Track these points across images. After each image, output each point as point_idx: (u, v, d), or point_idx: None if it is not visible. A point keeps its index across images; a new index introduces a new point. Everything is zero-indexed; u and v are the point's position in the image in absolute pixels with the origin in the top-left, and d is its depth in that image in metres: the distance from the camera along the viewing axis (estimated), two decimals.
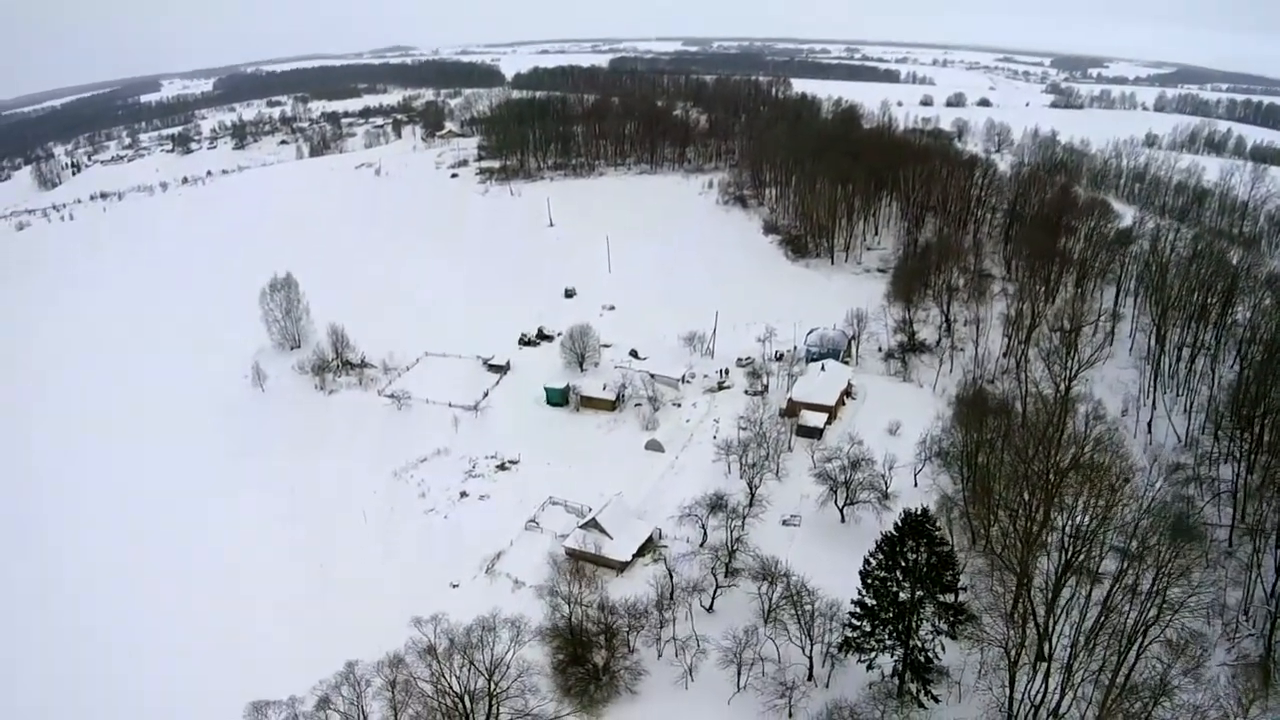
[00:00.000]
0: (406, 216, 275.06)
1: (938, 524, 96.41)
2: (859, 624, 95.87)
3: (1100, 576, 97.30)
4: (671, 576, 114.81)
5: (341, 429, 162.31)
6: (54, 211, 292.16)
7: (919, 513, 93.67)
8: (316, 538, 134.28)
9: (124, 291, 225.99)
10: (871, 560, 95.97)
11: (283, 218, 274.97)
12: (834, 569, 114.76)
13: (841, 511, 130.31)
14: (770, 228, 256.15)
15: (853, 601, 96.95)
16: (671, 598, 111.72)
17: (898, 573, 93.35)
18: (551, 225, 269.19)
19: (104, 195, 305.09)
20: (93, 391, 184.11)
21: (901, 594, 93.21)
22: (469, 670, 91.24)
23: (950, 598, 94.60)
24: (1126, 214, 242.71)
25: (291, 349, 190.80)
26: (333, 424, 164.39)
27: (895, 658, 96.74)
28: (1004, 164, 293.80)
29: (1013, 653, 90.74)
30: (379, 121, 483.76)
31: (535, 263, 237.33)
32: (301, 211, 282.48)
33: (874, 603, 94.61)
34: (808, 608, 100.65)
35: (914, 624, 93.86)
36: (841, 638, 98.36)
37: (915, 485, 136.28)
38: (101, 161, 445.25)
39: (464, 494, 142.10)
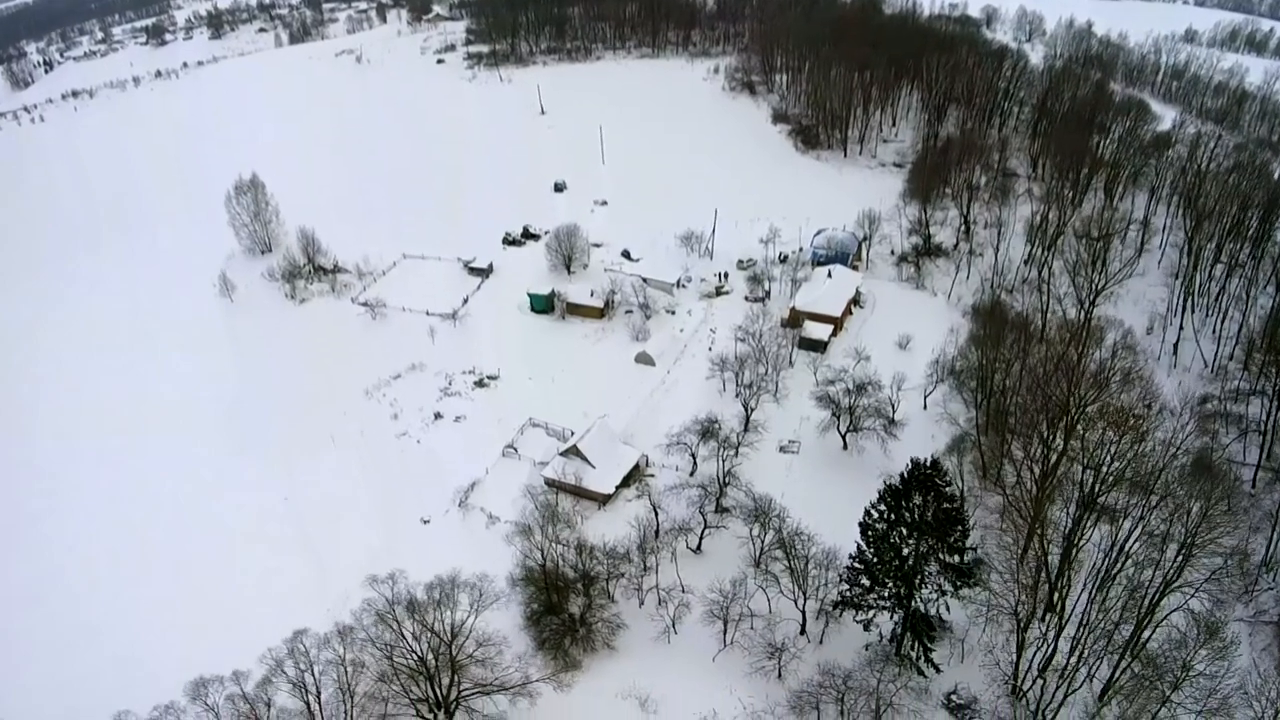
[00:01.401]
0: (387, 107, 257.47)
1: (947, 474, 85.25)
2: (857, 581, 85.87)
3: (1117, 515, 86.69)
4: (657, 514, 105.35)
5: (311, 342, 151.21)
6: (24, 113, 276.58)
7: (927, 465, 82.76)
8: (279, 466, 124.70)
9: (88, 197, 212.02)
10: (873, 512, 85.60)
11: (255, 112, 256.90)
12: (833, 504, 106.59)
13: (844, 438, 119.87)
14: (779, 116, 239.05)
15: (851, 556, 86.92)
16: (656, 538, 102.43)
17: (901, 528, 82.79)
18: (543, 113, 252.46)
19: (75, 94, 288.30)
20: (51, 301, 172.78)
21: (905, 548, 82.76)
22: (427, 637, 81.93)
23: (957, 558, 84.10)
24: (1165, 116, 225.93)
25: (262, 254, 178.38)
26: (302, 337, 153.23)
27: (895, 619, 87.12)
28: (1035, 56, 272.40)
29: (1022, 616, 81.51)
30: (363, 6, 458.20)
31: (524, 154, 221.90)
32: (275, 105, 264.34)
33: (874, 559, 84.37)
34: (802, 555, 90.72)
35: (917, 584, 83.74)
36: (838, 595, 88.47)
37: (925, 409, 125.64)
38: (74, 58, 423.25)
39: (438, 415, 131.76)
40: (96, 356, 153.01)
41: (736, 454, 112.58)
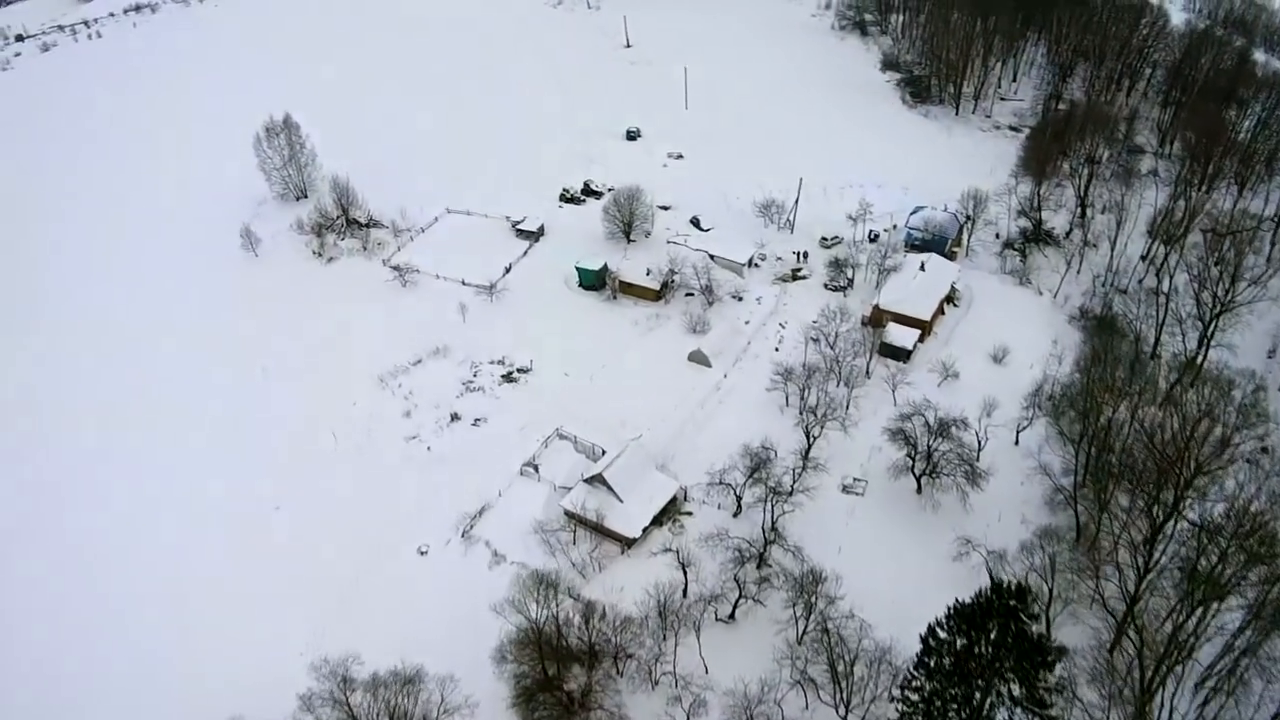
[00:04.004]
0: (455, 33, 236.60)
1: (1035, 598, 66.04)
2: (914, 699, 67.25)
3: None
4: (686, 574, 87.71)
5: (332, 312, 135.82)
6: (83, 28, 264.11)
7: (1011, 589, 63.54)
8: (274, 470, 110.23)
9: (123, 124, 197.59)
10: (939, 631, 66.34)
11: (305, 35, 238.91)
12: (898, 569, 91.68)
13: (919, 480, 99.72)
14: (889, 64, 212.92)
15: (907, 678, 68.41)
16: (683, 598, 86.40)
17: (971, 661, 63.79)
18: (628, 46, 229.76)
19: (138, 9, 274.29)
20: (68, 248, 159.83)
21: (974, 688, 63.98)
22: None
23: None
24: None
25: (297, 199, 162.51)
26: (323, 304, 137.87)
27: None
28: (1176, 13, 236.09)
29: None
30: None
31: (599, 94, 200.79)
32: (331, 27, 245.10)
33: (935, 693, 65.62)
34: (851, 650, 73.51)
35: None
36: (896, 712, 70.07)
37: (1016, 444, 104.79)
38: None
39: (455, 416, 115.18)
40: (103, 327, 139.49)
41: (791, 491, 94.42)
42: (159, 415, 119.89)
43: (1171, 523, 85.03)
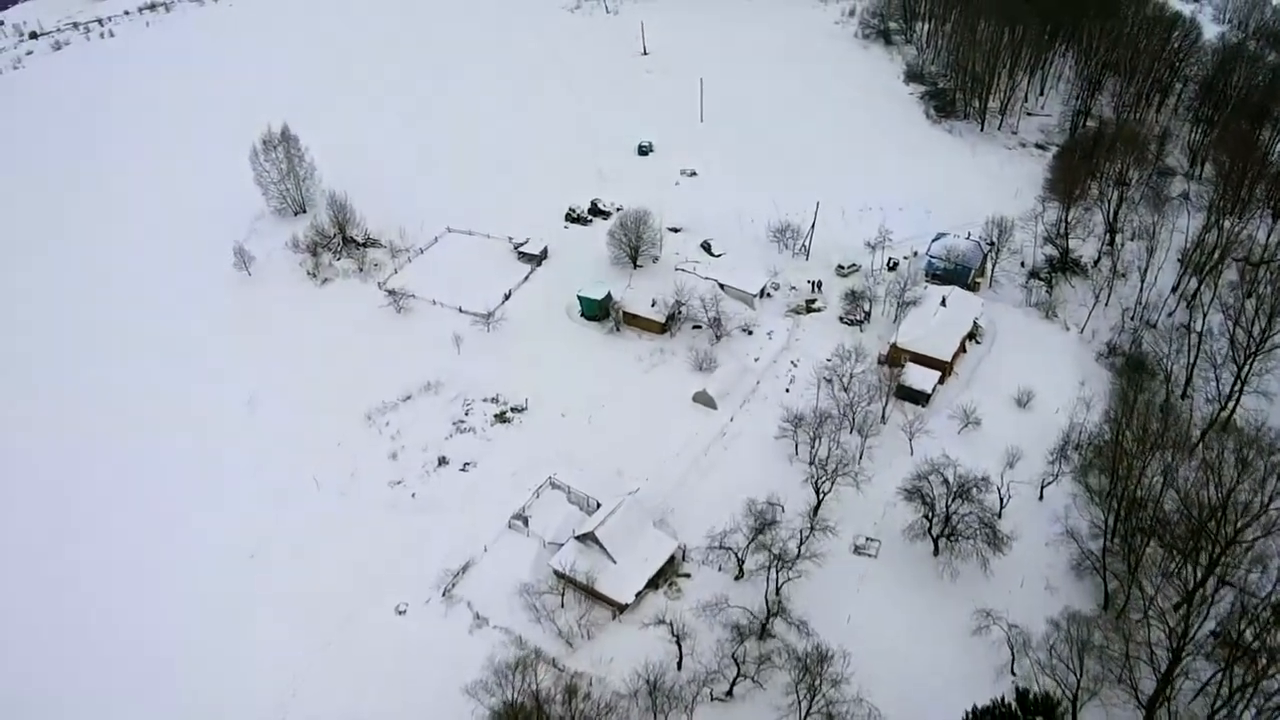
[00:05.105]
0: (466, 34, 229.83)
1: (1060, 706, 59.41)
2: None
3: None
4: (680, 647, 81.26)
5: (323, 339, 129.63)
6: (96, 26, 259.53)
7: (1037, 700, 56.84)
8: (252, 515, 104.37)
9: (124, 128, 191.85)
10: None
11: (317, 38, 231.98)
12: (913, 641, 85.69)
13: (936, 543, 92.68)
14: (914, 75, 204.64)
15: None
16: (677, 669, 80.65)
17: None
18: (645, 53, 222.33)
19: (152, 6, 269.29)
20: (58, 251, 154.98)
21: None
22: None
23: None
24: None
25: (296, 214, 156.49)
26: (315, 331, 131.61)
27: None
28: (1209, 25, 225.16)
29: None
30: None
31: (612, 104, 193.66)
32: (343, 28, 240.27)
33: None
34: None
35: None
36: None
37: (1041, 499, 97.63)
38: None
39: (443, 460, 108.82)
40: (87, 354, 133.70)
41: (799, 555, 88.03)
42: (135, 453, 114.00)
43: (1207, 596, 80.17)
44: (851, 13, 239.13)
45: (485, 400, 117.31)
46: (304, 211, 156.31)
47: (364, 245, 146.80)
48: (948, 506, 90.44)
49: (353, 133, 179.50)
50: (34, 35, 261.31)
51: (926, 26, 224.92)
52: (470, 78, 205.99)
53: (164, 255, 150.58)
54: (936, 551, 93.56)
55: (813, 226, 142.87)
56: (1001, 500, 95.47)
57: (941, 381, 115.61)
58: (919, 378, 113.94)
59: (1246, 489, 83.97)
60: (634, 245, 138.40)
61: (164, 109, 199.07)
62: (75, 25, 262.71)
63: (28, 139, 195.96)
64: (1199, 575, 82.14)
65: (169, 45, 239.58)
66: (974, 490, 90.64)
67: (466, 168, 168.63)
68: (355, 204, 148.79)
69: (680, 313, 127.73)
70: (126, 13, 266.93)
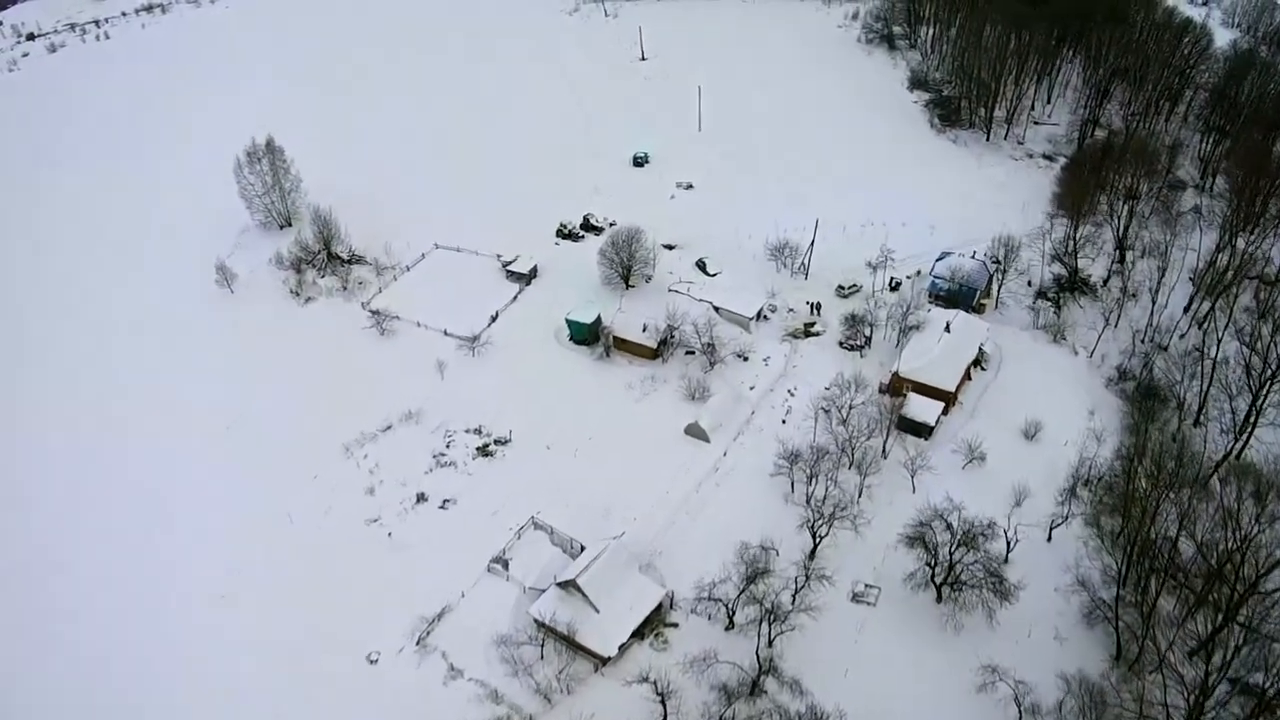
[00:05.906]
0: (458, 40, 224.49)
1: None
2: None
3: None
4: (665, 707, 76.66)
5: (304, 363, 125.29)
6: (92, 28, 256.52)
7: None
8: (223, 553, 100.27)
9: (113, 135, 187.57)
10: None
11: (311, 42, 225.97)
12: (914, 700, 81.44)
13: (939, 590, 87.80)
14: (918, 81, 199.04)
15: None
16: None
17: None
18: (643, 59, 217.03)
19: (149, 8, 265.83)
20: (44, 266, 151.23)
21: None
22: None
23: None
24: None
25: (281, 228, 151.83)
26: (296, 354, 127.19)
27: None
28: (1219, 30, 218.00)
29: None
30: None
31: (608, 112, 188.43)
32: (337, 32, 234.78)
33: None
34: None
35: None
36: None
37: (1049, 540, 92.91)
38: None
39: (421, 497, 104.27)
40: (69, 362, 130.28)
41: (793, 606, 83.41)
42: (104, 479, 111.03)
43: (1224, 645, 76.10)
44: (855, 16, 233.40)
45: (468, 431, 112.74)
46: (289, 225, 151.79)
47: (349, 262, 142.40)
48: (951, 555, 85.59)
49: (346, 142, 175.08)
50: (31, 37, 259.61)
51: (931, 31, 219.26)
52: (467, 85, 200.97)
53: (146, 270, 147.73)
54: (940, 599, 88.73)
55: (812, 244, 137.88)
56: (1009, 544, 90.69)
57: (945, 412, 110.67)
58: (921, 409, 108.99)
59: (1267, 537, 79.61)
60: (626, 265, 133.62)
61: (154, 117, 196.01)
62: (72, 27, 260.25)
63: (18, 144, 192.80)
64: (1217, 621, 77.75)
65: (163, 49, 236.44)
66: (979, 538, 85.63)
67: (458, 178, 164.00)
68: (342, 217, 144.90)
69: (673, 338, 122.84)
70: (124, 14, 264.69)
